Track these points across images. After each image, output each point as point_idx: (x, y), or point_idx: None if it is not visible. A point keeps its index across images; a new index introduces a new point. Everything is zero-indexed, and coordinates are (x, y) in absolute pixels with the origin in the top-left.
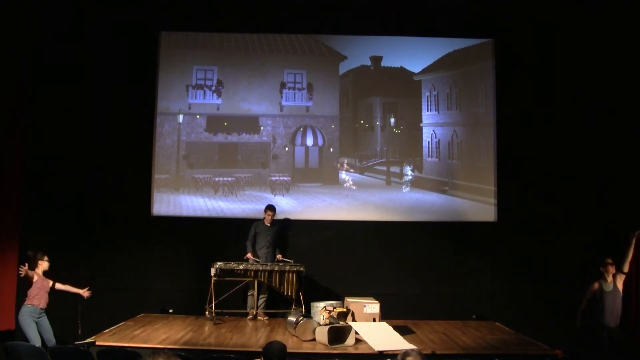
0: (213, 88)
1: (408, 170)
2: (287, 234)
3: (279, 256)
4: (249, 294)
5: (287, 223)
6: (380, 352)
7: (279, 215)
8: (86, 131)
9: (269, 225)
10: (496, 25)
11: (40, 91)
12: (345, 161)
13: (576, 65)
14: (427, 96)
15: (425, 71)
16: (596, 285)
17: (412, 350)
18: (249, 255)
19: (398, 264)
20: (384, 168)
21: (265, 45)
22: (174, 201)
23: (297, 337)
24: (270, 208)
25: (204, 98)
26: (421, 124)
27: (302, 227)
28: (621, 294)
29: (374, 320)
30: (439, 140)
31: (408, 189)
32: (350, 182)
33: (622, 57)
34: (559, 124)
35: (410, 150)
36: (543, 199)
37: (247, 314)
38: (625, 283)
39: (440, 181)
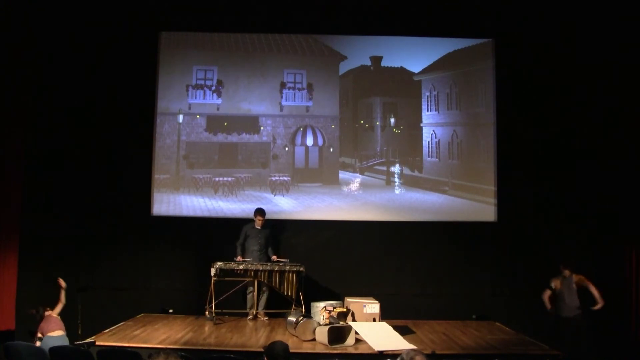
0: (213, 88)
1: (399, 170)
2: (286, 234)
3: (274, 257)
4: (247, 293)
5: (279, 224)
6: (380, 352)
7: (280, 216)
8: (86, 131)
9: (259, 228)
10: (496, 25)
11: (40, 91)
12: (353, 163)
13: (576, 65)
14: (427, 96)
15: (425, 71)
16: (557, 282)
17: (413, 350)
18: (239, 258)
19: (398, 264)
20: (384, 168)
21: (265, 45)
22: (174, 201)
23: (297, 337)
24: (260, 213)
25: (204, 98)
26: (421, 124)
27: (302, 227)
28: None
29: (374, 320)
30: (439, 140)
31: (402, 189)
32: (356, 185)
33: (622, 57)
34: (559, 124)
35: (410, 150)
36: (543, 199)
37: (247, 314)
38: (625, 283)
39: (440, 181)
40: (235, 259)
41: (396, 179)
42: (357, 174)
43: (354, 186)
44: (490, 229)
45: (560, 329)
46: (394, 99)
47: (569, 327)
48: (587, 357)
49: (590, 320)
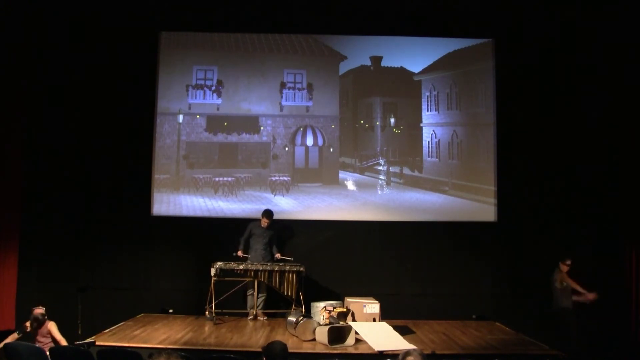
0: (213, 88)
1: (398, 170)
2: (287, 234)
3: (277, 255)
4: (248, 293)
5: (285, 225)
6: (380, 352)
7: (279, 216)
8: (86, 131)
9: (265, 227)
10: (496, 25)
11: (40, 91)
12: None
13: (576, 65)
14: (427, 96)
15: (425, 71)
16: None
17: (413, 350)
18: (239, 253)
19: (398, 264)
20: (384, 168)
21: (265, 45)
22: (174, 201)
23: (297, 337)
24: (266, 215)
25: (204, 98)
26: (421, 124)
27: (302, 227)
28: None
29: (374, 320)
30: (439, 140)
31: (387, 190)
32: (352, 184)
33: (622, 57)
34: (559, 123)
35: (410, 150)
36: (543, 199)
37: (247, 314)
38: (625, 283)
39: (440, 181)
40: (235, 253)
41: (388, 178)
42: (357, 174)
43: (354, 187)
44: (490, 229)
45: (553, 322)
46: (394, 99)
47: (556, 321)
48: (577, 353)
49: (586, 319)
